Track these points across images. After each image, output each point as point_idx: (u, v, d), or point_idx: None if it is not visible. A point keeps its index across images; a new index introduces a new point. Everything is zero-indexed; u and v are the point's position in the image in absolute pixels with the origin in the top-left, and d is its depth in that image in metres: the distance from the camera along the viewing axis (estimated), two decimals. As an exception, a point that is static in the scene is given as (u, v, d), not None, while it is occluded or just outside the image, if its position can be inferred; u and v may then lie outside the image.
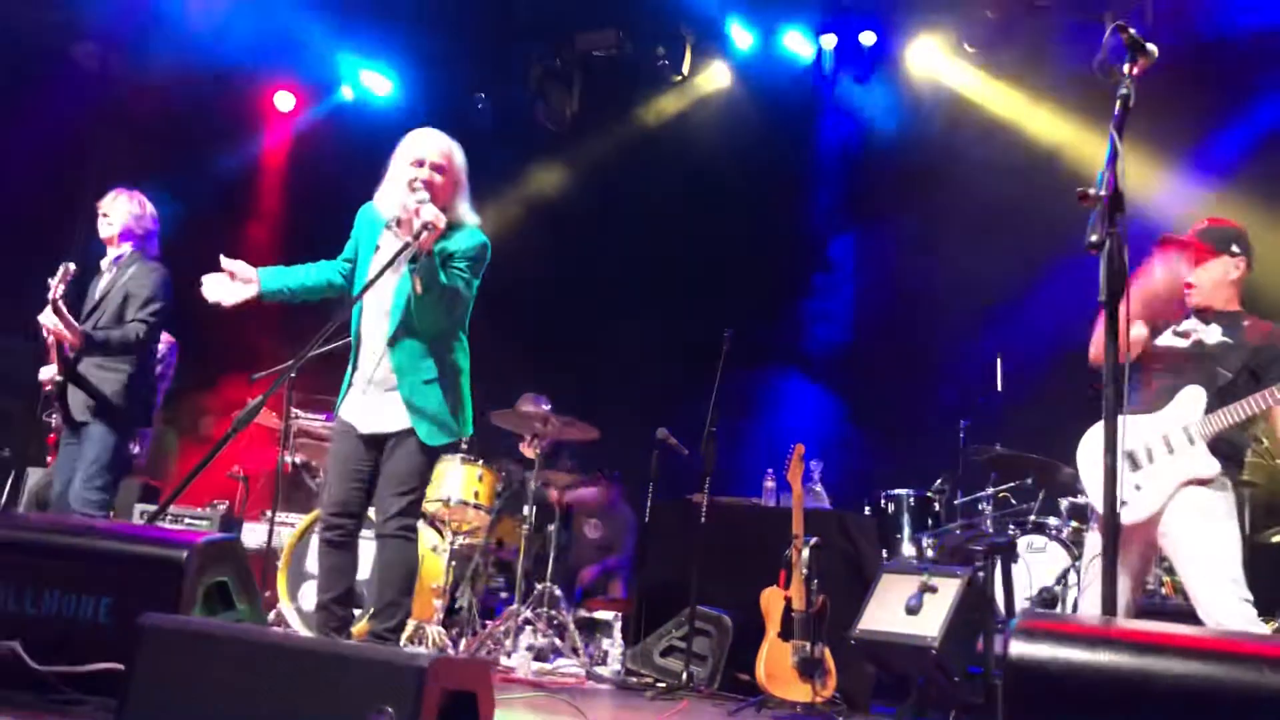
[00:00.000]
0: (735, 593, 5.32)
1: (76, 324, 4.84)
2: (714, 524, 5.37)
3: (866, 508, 6.87)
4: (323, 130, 10.12)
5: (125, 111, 9.16)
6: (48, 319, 4.84)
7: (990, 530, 5.96)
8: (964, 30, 8.26)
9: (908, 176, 8.05)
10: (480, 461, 5.68)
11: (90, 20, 9.09)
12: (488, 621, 5.53)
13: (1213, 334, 3.64)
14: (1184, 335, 3.67)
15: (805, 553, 4.74)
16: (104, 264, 5.18)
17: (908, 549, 6.60)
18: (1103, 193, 2.29)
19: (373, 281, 3.57)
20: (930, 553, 5.96)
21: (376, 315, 3.82)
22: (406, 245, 3.59)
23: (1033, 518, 6.15)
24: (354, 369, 3.88)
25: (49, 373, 4.99)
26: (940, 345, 7.37)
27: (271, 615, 5.44)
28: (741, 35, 8.97)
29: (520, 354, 7.73)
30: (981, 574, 4.97)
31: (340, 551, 3.77)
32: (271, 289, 3.93)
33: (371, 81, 10.03)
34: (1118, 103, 2.44)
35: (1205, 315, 3.69)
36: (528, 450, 5.94)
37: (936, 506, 6.83)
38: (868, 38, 8.66)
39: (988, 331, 7.08)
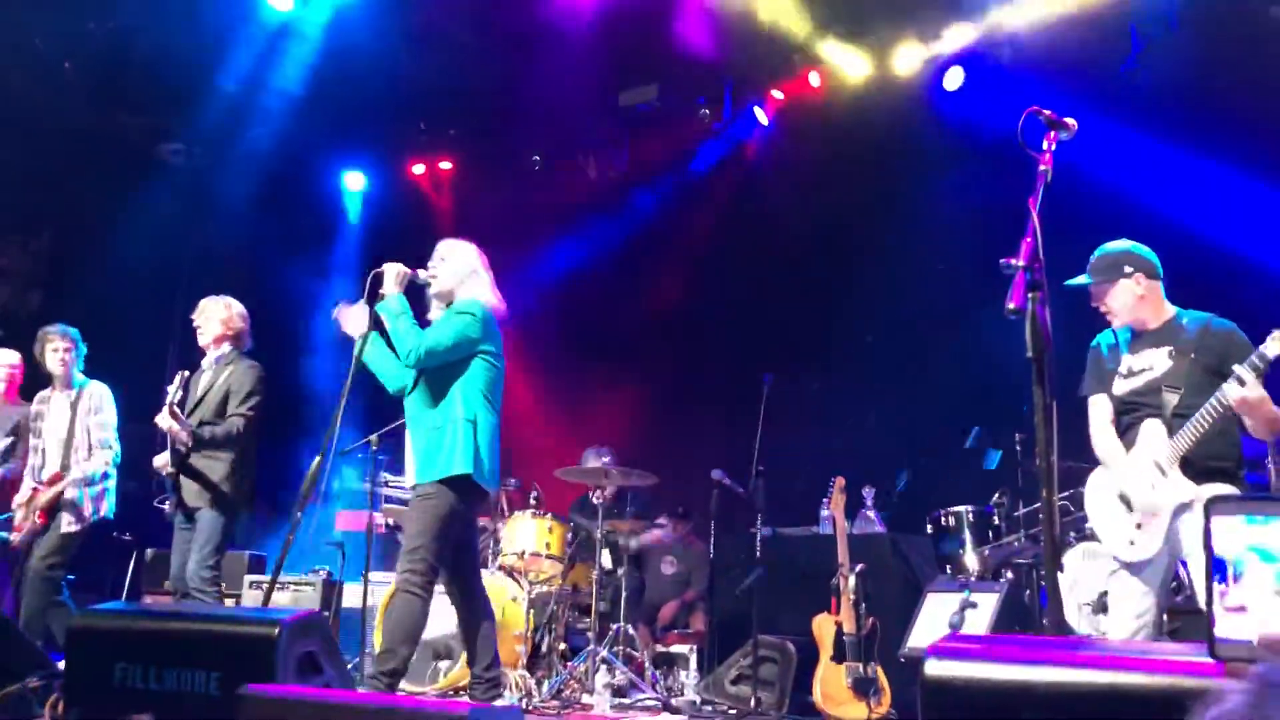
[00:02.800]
0: (799, 620, 5.65)
1: (188, 424, 5.42)
2: (775, 555, 5.72)
3: (929, 526, 7.13)
4: (392, 205, 10.71)
5: (212, 203, 9.86)
6: (164, 421, 5.43)
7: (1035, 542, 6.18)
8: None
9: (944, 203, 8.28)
10: (549, 515, 6.13)
11: (175, 122, 9.86)
12: (570, 664, 5.95)
13: (1157, 361, 3.85)
14: (1131, 374, 3.92)
15: (851, 579, 5.07)
16: (205, 362, 5.76)
17: (971, 562, 6.84)
18: (1021, 263, 2.63)
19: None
20: (975, 568, 6.20)
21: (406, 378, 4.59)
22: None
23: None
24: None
25: (163, 460, 5.58)
26: (986, 360, 7.57)
27: (369, 669, 5.93)
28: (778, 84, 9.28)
29: (583, 410, 8.19)
30: (1026, 586, 5.23)
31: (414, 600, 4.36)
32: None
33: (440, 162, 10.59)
34: (1038, 180, 2.77)
35: (1145, 337, 3.92)
36: (596, 499, 6.39)
37: (996, 520, 7.06)
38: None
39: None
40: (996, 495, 7.16)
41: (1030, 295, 2.64)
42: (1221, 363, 3.70)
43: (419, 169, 10.71)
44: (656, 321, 8.81)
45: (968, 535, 7.02)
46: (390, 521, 7.11)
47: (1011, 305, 2.59)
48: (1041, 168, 2.81)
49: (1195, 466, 3.68)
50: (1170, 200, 7.11)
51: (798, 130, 9.16)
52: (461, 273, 4.61)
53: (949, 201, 7.88)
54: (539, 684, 5.72)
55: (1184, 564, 4.04)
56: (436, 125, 10.27)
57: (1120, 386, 3.95)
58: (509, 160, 10.19)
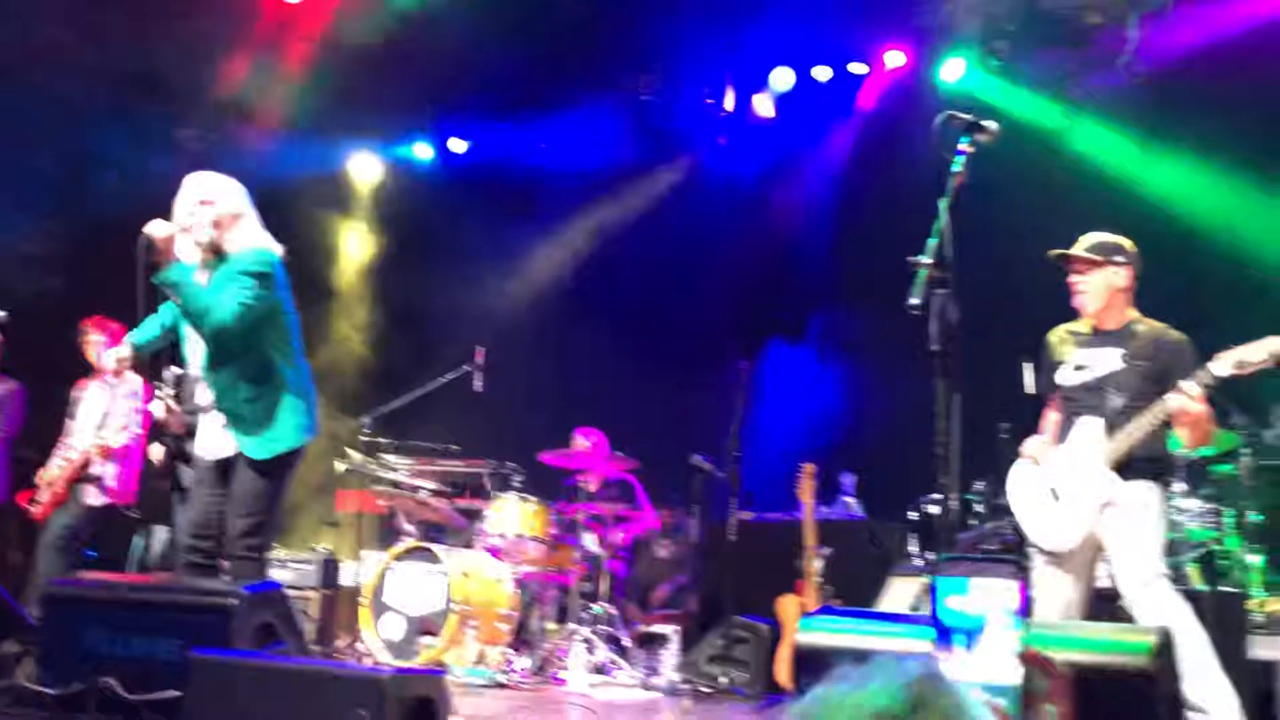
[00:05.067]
0: (774, 603, 5.81)
1: (181, 415, 5.64)
2: (755, 539, 5.89)
3: (913, 514, 7.26)
4: (405, 189, 10.84)
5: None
6: (159, 411, 5.66)
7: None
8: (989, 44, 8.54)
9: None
10: (534, 498, 6.32)
11: (191, 108, 10.06)
12: (551, 642, 6.13)
13: (1107, 361, 3.98)
14: (1083, 369, 4.04)
15: (817, 562, 5.22)
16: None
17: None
18: (928, 260, 2.77)
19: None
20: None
21: (198, 348, 4.20)
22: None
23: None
24: (201, 405, 4.25)
25: (156, 452, 5.80)
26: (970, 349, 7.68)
27: (360, 646, 6.16)
28: (782, 72, 9.38)
29: (575, 394, 8.36)
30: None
31: (200, 573, 3.98)
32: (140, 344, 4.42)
33: (451, 143, 10.71)
34: (951, 179, 2.91)
35: (1100, 336, 4.06)
36: (584, 483, 6.58)
37: (979, 508, 7.18)
38: (895, 58, 8.97)
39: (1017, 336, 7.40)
40: (980, 484, 7.30)
41: (937, 292, 2.78)
42: (1167, 373, 3.84)
43: (427, 153, 10.82)
44: (649, 307, 8.96)
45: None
46: (384, 502, 7.30)
47: (913, 301, 2.73)
48: (955, 170, 2.94)
49: (1124, 465, 3.82)
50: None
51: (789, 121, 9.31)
52: (230, 216, 4.12)
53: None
54: (521, 662, 5.91)
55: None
56: (445, 106, 10.42)
57: (1067, 378, 4.08)
58: (517, 142, 10.30)
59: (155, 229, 3.96)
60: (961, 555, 1.09)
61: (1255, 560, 6.30)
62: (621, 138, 9.98)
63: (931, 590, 1.21)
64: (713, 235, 8.89)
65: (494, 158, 10.29)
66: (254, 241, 4.15)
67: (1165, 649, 1.89)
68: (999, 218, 8.03)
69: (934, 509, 7.17)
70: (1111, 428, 3.85)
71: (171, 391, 5.54)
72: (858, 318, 8.56)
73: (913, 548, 6.92)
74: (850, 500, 6.99)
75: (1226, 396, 6.16)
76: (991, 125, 3.03)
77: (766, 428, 7.01)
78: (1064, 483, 3.94)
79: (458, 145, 10.64)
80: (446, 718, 2.65)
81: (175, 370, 5.59)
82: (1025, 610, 1.23)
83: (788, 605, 5.30)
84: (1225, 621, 4.81)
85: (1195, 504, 6.27)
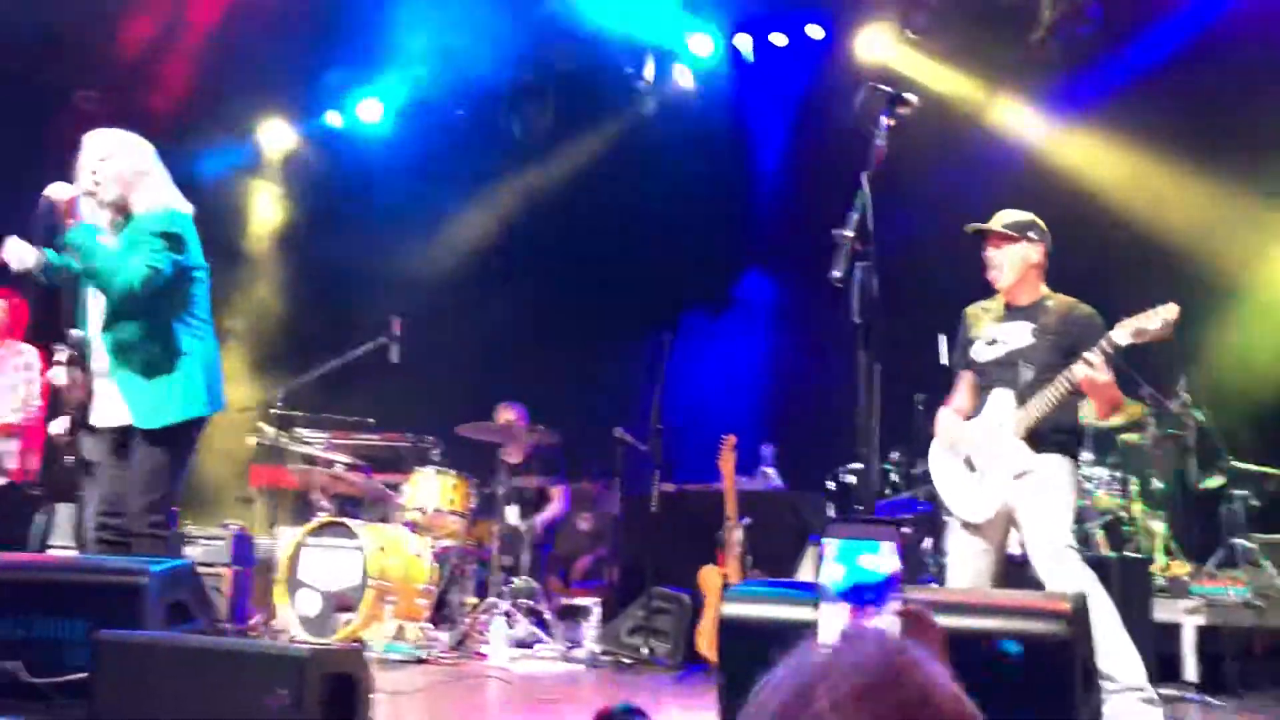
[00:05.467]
0: (695, 573, 5.84)
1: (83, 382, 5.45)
2: (676, 511, 5.91)
3: (831, 484, 7.35)
4: (320, 155, 10.60)
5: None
6: (59, 379, 5.45)
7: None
8: (907, 17, 8.62)
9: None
10: (453, 471, 6.26)
11: (91, 69, 9.70)
12: (470, 616, 6.09)
13: (1019, 335, 4.07)
14: (996, 344, 4.12)
15: (738, 532, 5.25)
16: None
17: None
18: (849, 233, 2.78)
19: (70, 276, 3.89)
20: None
21: (96, 312, 4.05)
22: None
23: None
24: (91, 372, 4.08)
25: (60, 425, 5.60)
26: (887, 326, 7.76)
27: (274, 623, 6.05)
28: (701, 42, 9.36)
29: (495, 366, 8.29)
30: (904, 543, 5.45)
31: (114, 550, 3.89)
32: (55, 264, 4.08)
33: (363, 108, 10.49)
34: (872, 152, 2.91)
35: (1013, 311, 4.15)
36: (506, 457, 6.53)
37: (895, 478, 7.31)
38: (815, 31, 9.02)
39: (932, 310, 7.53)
40: (895, 455, 7.42)
41: (859, 265, 2.80)
42: (1076, 347, 3.93)
43: (338, 121, 10.59)
44: (570, 279, 8.91)
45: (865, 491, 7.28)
46: (298, 477, 7.17)
47: (835, 274, 2.75)
48: (878, 143, 2.95)
49: (1036, 437, 3.91)
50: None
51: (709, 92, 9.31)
52: (134, 174, 3.97)
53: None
54: (440, 637, 5.86)
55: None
56: (356, 73, 10.22)
57: (982, 354, 4.17)
58: (434, 114, 10.15)
59: (56, 191, 3.81)
60: (847, 519, 1.10)
61: (1159, 526, 6.51)
62: (542, 107, 9.90)
63: (822, 553, 1.20)
64: (635, 206, 8.85)
65: (412, 125, 10.13)
66: (162, 200, 3.98)
67: (1080, 616, 1.93)
68: (916, 192, 8.16)
69: (851, 479, 7.30)
70: (1022, 400, 3.94)
71: (71, 357, 5.36)
72: (779, 289, 8.62)
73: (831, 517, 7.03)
74: (770, 471, 7.05)
75: (1133, 366, 6.38)
76: (912, 98, 3.05)
77: (688, 399, 7.02)
78: (978, 455, 4.02)
79: (371, 111, 10.45)
80: (368, 694, 2.61)
81: (75, 334, 5.42)
82: (901, 574, 1.23)
83: (709, 576, 5.33)
84: (1131, 586, 4.97)
85: (1103, 472, 6.46)
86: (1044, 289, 4.17)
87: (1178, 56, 7.23)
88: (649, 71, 9.61)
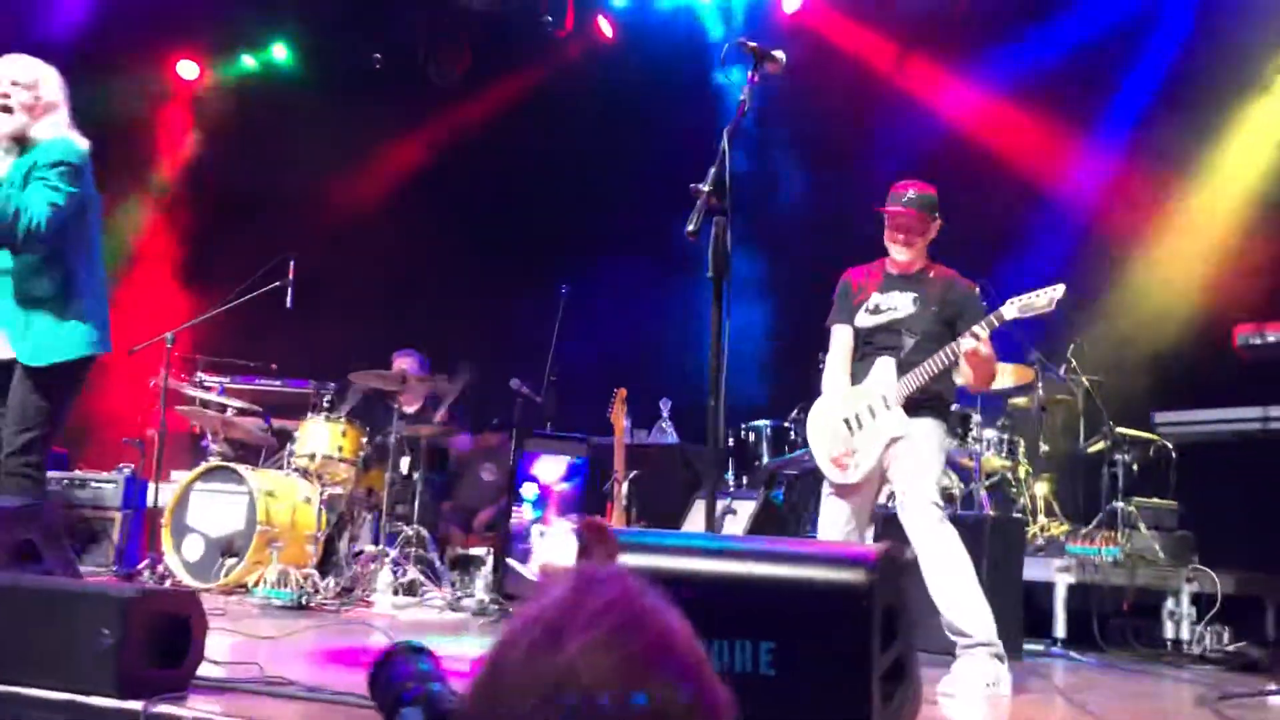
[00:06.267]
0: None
1: None
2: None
3: (730, 439, 7.43)
4: (228, 97, 10.38)
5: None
6: None
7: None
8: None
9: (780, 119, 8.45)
10: (342, 418, 6.21)
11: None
12: (356, 563, 6.07)
13: (902, 304, 4.16)
14: (877, 311, 4.19)
15: (624, 486, 5.29)
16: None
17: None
18: (706, 188, 2.79)
19: None
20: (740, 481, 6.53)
21: None
22: None
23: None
24: None
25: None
26: (794, 280, 7.81)
27: (160, 568, 5.98)
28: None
29: (394, 313, 8.21)
30: (791, 496, 5.55)
31: None
32: None
33: (274, 49, 10.27)
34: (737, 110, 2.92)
35: (894, 280, 4.21)
36: (401, 405, 6.48)
37: (794, 435, 7.41)
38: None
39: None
40: (795, 411, 7.51)
41: (715, 220, 2.81)
42: (957, 317, 4.07)
43: (251, 62, 10.37)
44: (472, 228, 8.84)
45: (765, 449, 7.36)
46: (193, 421, 7.07)
47: (690, 228, 2.75)
48: (741, 98, 2.95)
49: (913, 402, 4.00)
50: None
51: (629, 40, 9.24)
52: (46, 105, 3.91)
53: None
54: (326, 584, 5.83)
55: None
56: (272, 15, 10.00)
57: (864, 320, 4.23)
58: (348, 57, 9.96)
59: None
60: (542, 434, 1.11)
61: (1042, 488, 6.69)
62: (456, 52, 9.76)
63: (525, 458, 1.22)
64: (549, 154, 8.79)
65: (323, 65, 9.95)
66: (63, 133, 3.90)
67: (887, 567, 1.97)
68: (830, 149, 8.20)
69: (750, 435, 7.38)
70: (903, 367, 4.02)
71: None
72: (677, 242, 8.59)
73: (727, 473, 7.11)
74: (666, 425, 7.10)
75: (1022, 332, 6.51)
76: (779, 55, 3.05)
77: (588, 351, 7.02)
78: (856, 420, 4.09)
79: (283, 54, 10.23)
80: (202, 637, 2.59)
81: None
82: (582, 489, 1.26)
83: (594, 527, 5.37)
84: (1002, 545, 5.11)
85: (991, 434, 6.60)
86: (925, 259, 4.25)
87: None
88: (568, 20, 9.54)
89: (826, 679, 1.95)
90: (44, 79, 3.96)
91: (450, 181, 9.14)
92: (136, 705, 2.30)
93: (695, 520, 5.20)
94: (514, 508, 1.46)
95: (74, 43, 8.85)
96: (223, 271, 8.63)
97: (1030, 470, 6.65)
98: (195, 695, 2.49)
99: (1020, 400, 6.83)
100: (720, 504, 5.16)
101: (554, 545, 1.49)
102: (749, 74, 3.00)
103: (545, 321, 6.43)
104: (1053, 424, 6.97)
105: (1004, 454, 6.58)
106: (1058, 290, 3.84)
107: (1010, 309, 3.88)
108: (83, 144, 3.94)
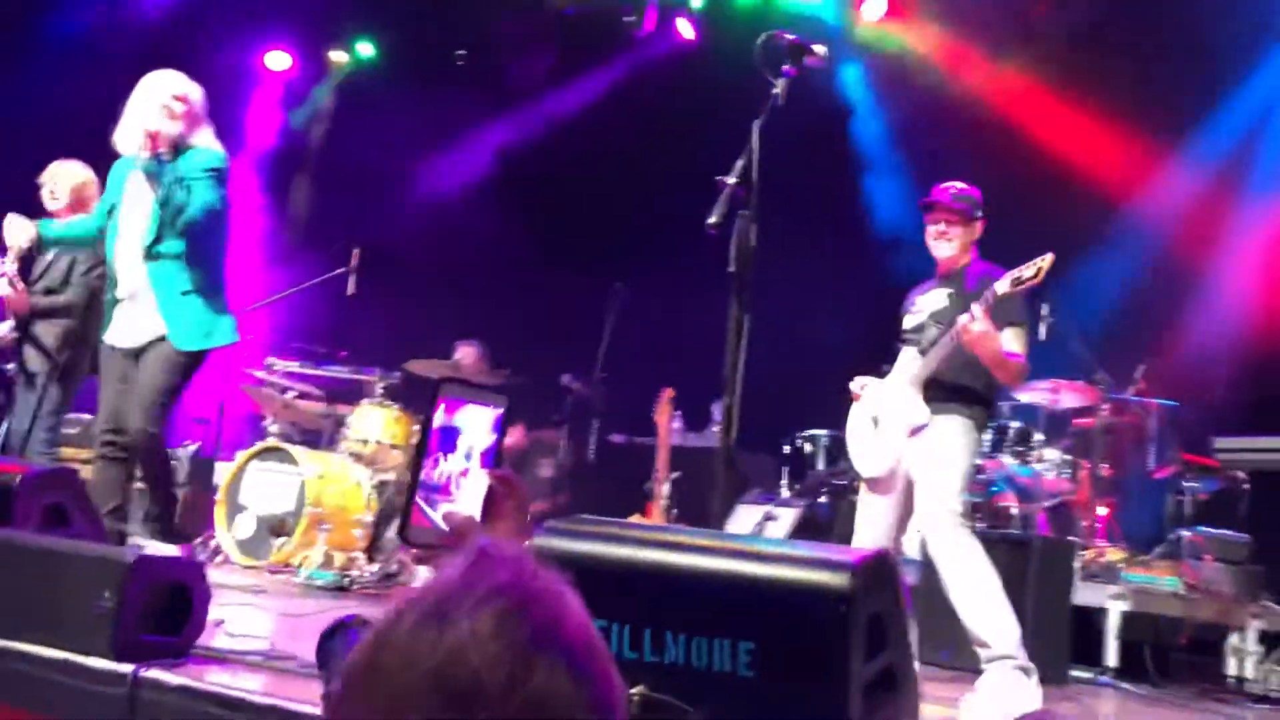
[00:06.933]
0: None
1: (25, 292, 5.47)
2: (617, 461, 5.91)
3: (786, 447, 7.33)
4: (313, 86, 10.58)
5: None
6: (3, 290, 5.48)
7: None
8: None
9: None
10: (396, 405, 6.27)
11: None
12: (402, 549, 6.11)
13: (938, 300, 4.06)
14: (918, 311, 4.10)
15: (665, 485, 5.25)
16: (49, 229, 5.76)
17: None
18: (732, 180, 2.74)
19: (113, 211, 4.27)
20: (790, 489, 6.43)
21: (133, 238, 4.33)
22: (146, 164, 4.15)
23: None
24: (116, 297, 4.40)
25: (3, 328, 5.63)
26: (856, 292, 7.69)
27: (212, 544, 6.10)
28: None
29: (456, 303, 8.28)
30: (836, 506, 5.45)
31: (115, 466, 4.30)
32: (48, 236, 4.60)
33: (360, 46, 10.45)
34: (768, 100, 2.86)
35: (938, 280, 4.12)
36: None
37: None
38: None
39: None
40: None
41: (739, 213, 2.76)
42: (991, 311, 3.84)
43: (341, 56, 10.56)
44: (540, 224, 8.86)
45: (821, 459, 7.25)
46: (257, 401, 7.19)
47: (712, 220, 2.71)
48: (774, 91, 2.90)
49: (937, 393, 3.88)
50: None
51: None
52: (197, 116, 4.40)
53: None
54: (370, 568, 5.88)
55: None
56: (360, 9, 10.18)
57: (907, 321, 4.15)
58: (432, 54, 10.08)
59: (150, 125, 4.17)
60: (463, 382, 1.08)
61: (1103, 512, 6.48)
62: (538, 51, 9.82)
63: (449, 406, 1.19)
64: (611, 153, 8.78)
65: (400, 63, 10.10)
66: (211, 142, 4.39)
67: (877, 572, 1.91)
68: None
69: (808, 446, 7.28)
70: (923, 354, 3.93)
71: (15, 267, 5.39)
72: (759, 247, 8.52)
73: (783, 481, 7.03)
74: (718, 430, 7.02)
75: (1089, 349, 6.32)
76: (820, 49, 2.99)
77: (645, 350, 6.99)
78: (882, 412, 4.02)
79: (367, 49, 10.41)
80: (204, 607, 2.62)
81: (21, 244, 5.43)
82: (498, 444, 1.23)
83: (633, 526, 5.34)
84: (1050, 568, 4.96)
85: (1054, 455, 6.42)
86: (968, 257, 4.15)
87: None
88: (649, 21, 9.53)
89: (804, 684, 1.88)
90: (194, 93, 4.44)
91: (522, 179, 9.19)
92: (127, 668, 2.33)
93: (736, 525, 5.13)
94: (439, 456, 1.45)
95: (164, 27, 9.14)
96: (295, 257, 8.83)
97: (1095, 493, 6.44)
98: (192, 663, 2.51)
99: (1085, 421, 6.62)
100: (760, 509, 5.10)
101: (469, 496, 1.48)
102: (786, 67, 2.94)
103: (610, 319, 6.42)
104: (1119, 447, 6.75)
105: (1066, 475, 6.39)
106: (1045, 260, 3.71)
107: (1002, 284, 3.76)
108: (220, 153, 4.40)
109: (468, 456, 1.20)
